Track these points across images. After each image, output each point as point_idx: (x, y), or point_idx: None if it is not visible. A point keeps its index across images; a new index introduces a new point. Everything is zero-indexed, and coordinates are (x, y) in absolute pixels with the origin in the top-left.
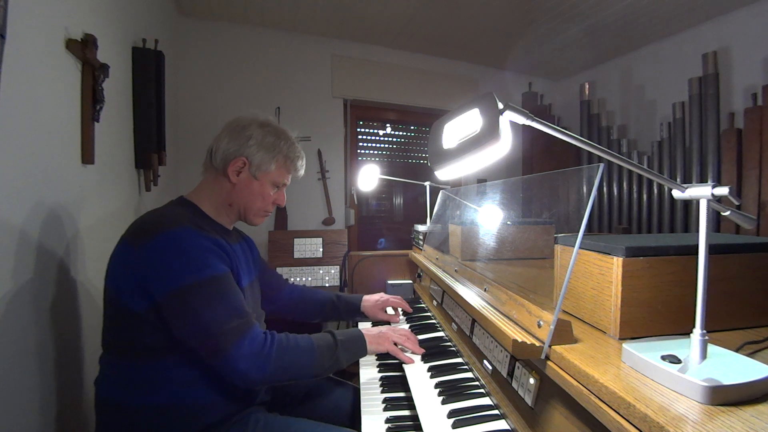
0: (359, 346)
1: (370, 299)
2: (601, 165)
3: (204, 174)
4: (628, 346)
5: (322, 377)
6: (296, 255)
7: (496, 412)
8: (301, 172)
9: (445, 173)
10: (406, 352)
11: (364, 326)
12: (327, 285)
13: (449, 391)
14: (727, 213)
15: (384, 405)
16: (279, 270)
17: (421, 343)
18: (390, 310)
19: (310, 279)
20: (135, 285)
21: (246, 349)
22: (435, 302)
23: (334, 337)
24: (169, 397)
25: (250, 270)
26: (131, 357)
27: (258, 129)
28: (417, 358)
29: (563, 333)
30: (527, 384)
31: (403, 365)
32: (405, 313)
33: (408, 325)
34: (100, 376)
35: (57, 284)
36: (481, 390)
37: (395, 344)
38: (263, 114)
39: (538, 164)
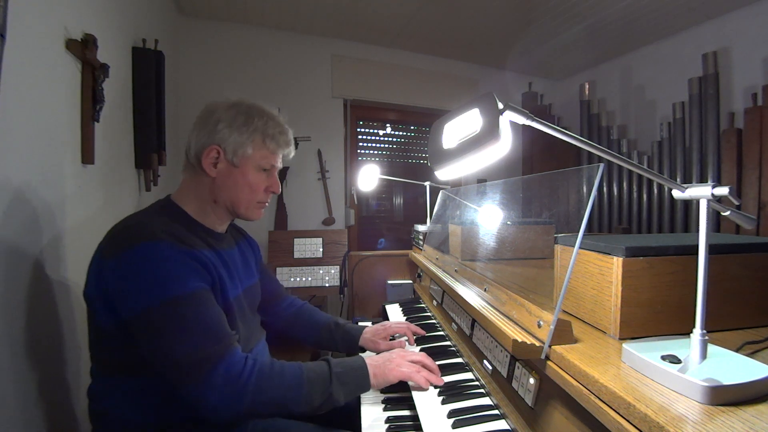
0: (360, 380)
1: (370, 329)
2: (601, 165)
3: (183, 173)
4: (628, 346)
5: (314, 414)
6: (296, 255)
7: (496, 412)
8: (290, 149)
9: (445, 173)
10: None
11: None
12: (327, 285)
13: (449, 391)
14: (727, 213)
15: (384, 405)
16: (279, 270)
17: (422, 343)
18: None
19: (310, 279)
20: (103, 300)
21: (220, 378)
22: (435, 302)
23: (330, 369)
24: (155, 414)
25: (249, 273)
26: (110, 372)
27: (225, 111)
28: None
29: (563, 333)
30: (527, 384)
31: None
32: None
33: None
34: (89, 388)
35: (57, 284)
36: (481, 390)
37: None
38: (237, 96)
39: (538, 164)
